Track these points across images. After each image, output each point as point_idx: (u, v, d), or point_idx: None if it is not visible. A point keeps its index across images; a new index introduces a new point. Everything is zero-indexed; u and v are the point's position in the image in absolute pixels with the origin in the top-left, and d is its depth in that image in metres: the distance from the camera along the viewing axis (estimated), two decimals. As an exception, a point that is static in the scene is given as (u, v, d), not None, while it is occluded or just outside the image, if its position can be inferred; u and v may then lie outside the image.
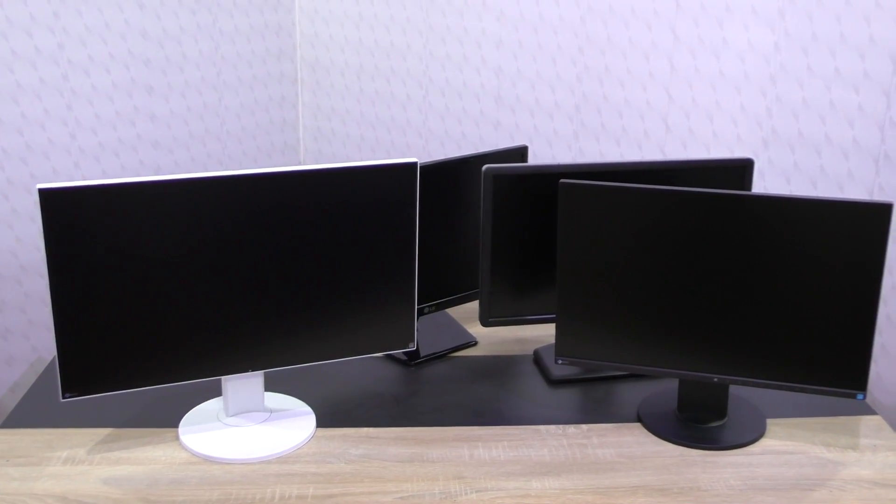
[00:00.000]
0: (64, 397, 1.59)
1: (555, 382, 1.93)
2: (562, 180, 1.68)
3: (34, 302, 2.44)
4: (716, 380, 1.72)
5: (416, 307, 1.78)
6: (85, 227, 1.53)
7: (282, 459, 1.66)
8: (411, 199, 1.70)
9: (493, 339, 2.12)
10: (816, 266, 1.62)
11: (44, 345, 2.46)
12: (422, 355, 2.02)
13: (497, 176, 1.82)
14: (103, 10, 2.44)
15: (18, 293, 2.41)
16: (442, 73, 2.67)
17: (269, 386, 1.87)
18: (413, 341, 1.80)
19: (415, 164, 1.69)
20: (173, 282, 1.60)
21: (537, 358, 2.01)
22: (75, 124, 2.44)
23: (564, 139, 2.52)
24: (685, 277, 1.68)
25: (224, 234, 1.61)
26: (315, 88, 2.94)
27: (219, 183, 1.59)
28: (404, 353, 2.02)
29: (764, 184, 2.25)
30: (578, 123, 2.49)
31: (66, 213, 1.51)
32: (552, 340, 2.05)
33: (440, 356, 2.03)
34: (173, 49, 2.62)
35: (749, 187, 1.92)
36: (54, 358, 1.60)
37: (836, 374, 1.66)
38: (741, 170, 1.89)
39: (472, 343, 2.09)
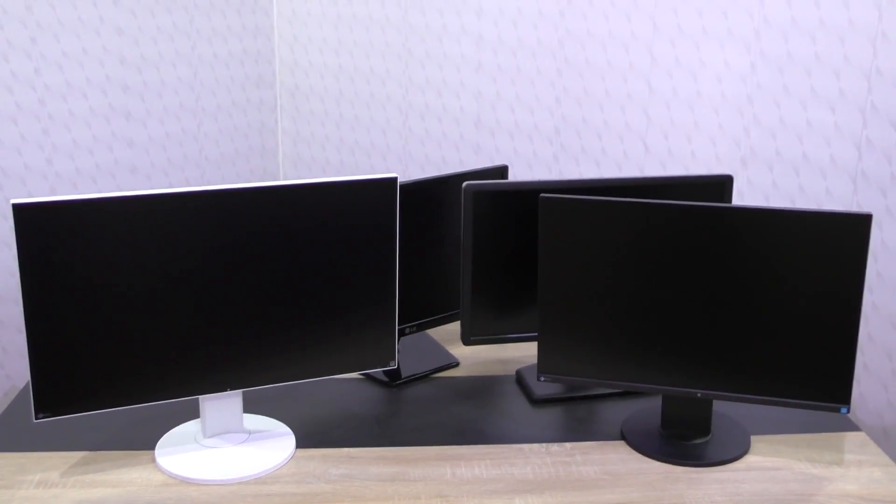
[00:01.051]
0: (37, 418, 1.56)
1: (537, 402, 1.91)
2: (542, 195, 1.67)
3: (9, 329, 2.40)
4: (699, 395, 1.71)
5: (396, 324, 1.76)
6: (59, 242, 1.51)
7: (260, 480, 1.63)
8: (391, 214, 1.69)
9: (475, 360, 2.10)
10: (798, 278, 1.61)
11: (18, 373, 2.42)
12: (403, 376, 2.00)
13: (477, 192, 1.82)
14: (80, 35, 2.43)
15: (-7, 320, 2.37)
16: (421, 98, 2.68)
17: (248, 408, 1.85)
18: (394, 359, 1.78)
19: (394, 178, 1.68)
20: (149, 299, 1.58)
21: (519, 378, 2.00)
22: (52, 149, 2.42)
23: (544, 161, 2.52)
24: (667, 292, 1.67)
25: (201, 251, 1.59)
26: (294, 115, 2.93)
27: (195, 198, 1.57)
28: (385, 374, 2.00)
29: (743, 203, 2.25)
30: (558, 146, 2.49)
31: (41, 228, 1.49)
32: (534, 361, 2.04)
33: (422, 377, 2.01)
34: (151, 75, 2.61)
35: (729, 203, 1.92)
36: (28, 383, 1.57)
37: (820, 387, 1.65)
38: (720, 186, 1.89)
39: (454, 364, 2.07)
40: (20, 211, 1.47)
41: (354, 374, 2.02)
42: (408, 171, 2.77)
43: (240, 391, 1.72)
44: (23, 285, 1.50)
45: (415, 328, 2.02)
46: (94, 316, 1.56)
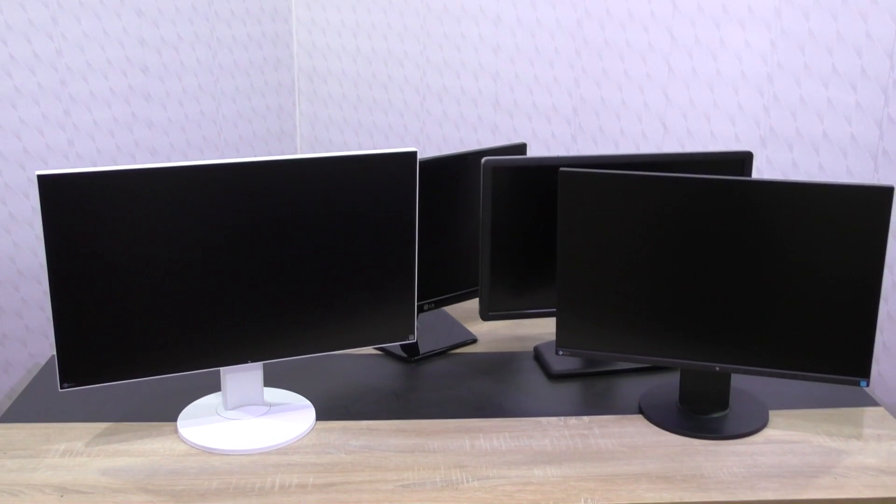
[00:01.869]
0: (62, 387, 1.58)
1: (555, 377, 1.92)
2: (561, 168, 1.68)
3: (32, 308, 2.43)
4: (717, 369, 1.71)
5: (415, 297, 1.77)
6: (83, 214, 1.52)
7: (281, 451, 1.65)
8: (411, 187, 1.70)
9: (492, 337, 2.11)
10: (818, 252, 1.61)
11: (41, 351, 2.44)
12: (421, 352, 2.01)
13: (496, 168, 1.82)
14: (101, 16, 2.45)
15: (16, 299, 2.39)
16: (439, 80, 2.68)
17: (269, 383, 1.86)
18: (413, 333, 1.79)
19: (414, 152, 1.69)
20: (172, 271, 1.60)
21: (537, 354, 2.01)
22: (73, 130, 2.44)
23: (562, 142, 2.52)
24: (686, 266, 1.67)
25: (223, 224, 1.60)
26: (312, 97, 2.94)
27: (217, 170, 1.58)
28: (404, 350, 2.01)
29: (762, 182, 2.25)
30: (576, 126, 2.49)
31: (65, 199, 1.51)
32: (552, 337, 2.05)
33: (440, 353, 2.02)
34: (171, 57, 2.62)
35: (748, 180, 1.92)
36: (51, 357, 1.58)
37: (839, 361, 1.65)
38: (740, 162, 1.89)
39: (472, 340, 2.08)
40: (45, 182, 1.49)
41: (373, 350, 2.03)
42: (425, 152, 2.77)
43: (260, 363, 1.73)
44: (48, 257, 1.52)
45: (433, 305, 2.03)
46: (117, 287, 1.57)
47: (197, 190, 1.58)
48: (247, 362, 1.69)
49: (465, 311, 2.22)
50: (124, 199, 1.54)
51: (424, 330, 2.11)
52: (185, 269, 1.60)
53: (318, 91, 2.92)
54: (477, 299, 2.03)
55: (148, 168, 1.55)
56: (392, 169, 1.68)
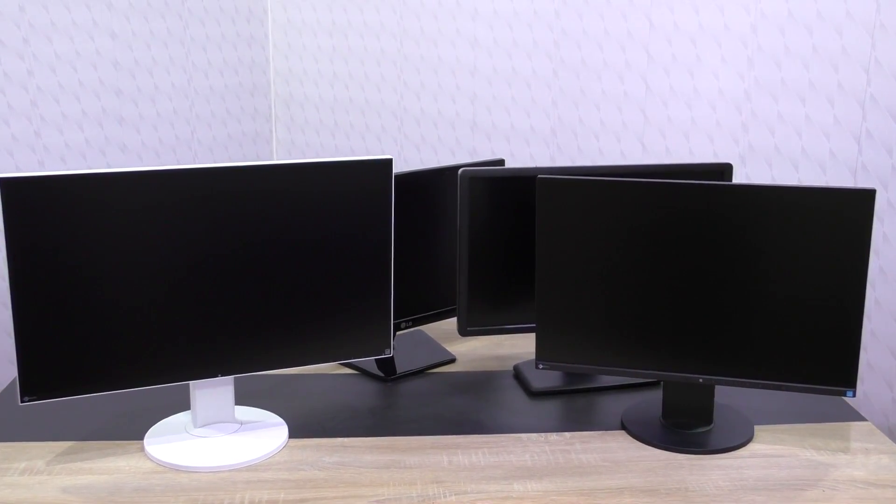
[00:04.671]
0: (22, 401, 1.52)
1: (535, 394, 1.87)
2: (539, 175, 1.65)
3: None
4: (701, 381, 1.67)
5: (392, 311, 1.73)
6: (46, 218, 1.47)
7: (252, 467, 1.59)
8: (387, 196, 1.66)
9: (471, 357, 2.06)
10: (800, 258, 1.58)
11: (7, 379, 2.37)
12: (398, 371, 1.96)
13: (473, 178, 1.79)
14: (73, 38, 2.42)
15: (-19, 323, 2.33)
16: (417, 103, 2.66)
17: (241, 402, 1.81)
18: (390, 347, 1.74)
19: (390, 160, 1.65)
20: (137, 281, 1.55)
21: (517, 372, 1.96)
22: (43, 151, 2.40)
23: (541, 163, 2.50)
24: (667, 275, 1.64)
25: (192, 232, 1.56)
26: (289, 124, 2.92)
27: (186, 176, 1.54)
28: (380, 369, 1.96)
29: (742, 199, 2.23)
30: (555, 147, 2.47)
31: (28, 204, 1.46)
32: (533, 357, 2.01)
33: (417, 372, 1.97)
34: (145, 80, 2.59)
35: (728, 193, 1.90)
36: (16, 378, 1.53)
37: (825, 371, 1.61)
38: (720, 174, 1.87)
39: (451, 360, 2.03)
40: (7, 185, 1.44)
41: (348, 370, 1.98)
42: (403, 176, 2.74)
43: (231, 378, 1.68)
44: (9, 264, 1.47)
45: (410, 323, 1.98)
46: (81, 297, 1.52)
47: (164, 197, 1.53)
48: (216, 376, 1.64)
49: (444, 332, 2.17)
50: (90, 203, 1.49)
51: (402, 349, 2.06)
52: (152, 278, 1.55)
53: (295, 117, 2.90)
54: (455, 319, 1.99)
55: (114, 172, 1.51)
56: (368, 177, 1.65)
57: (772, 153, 2.18)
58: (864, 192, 1.53)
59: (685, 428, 1.72)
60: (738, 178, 2.23)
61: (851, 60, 2.03)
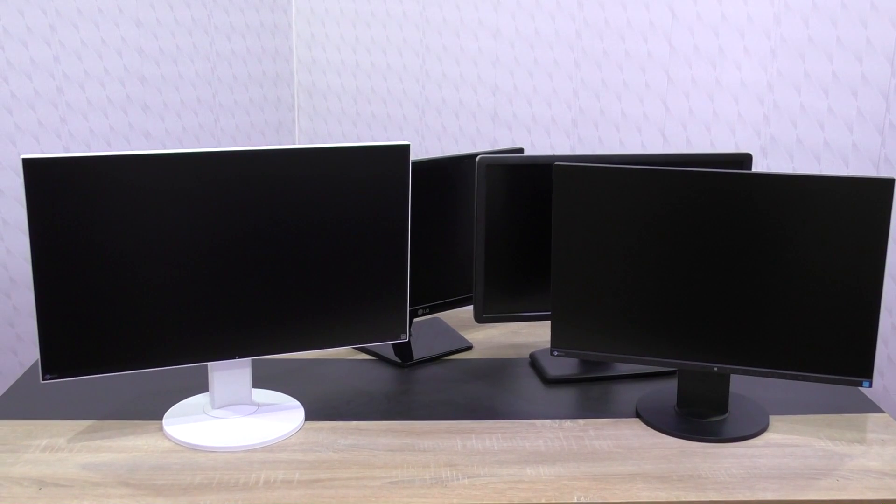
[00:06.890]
0: (44, 378, 1.54)
1: (551, 382, 1.88)
2: (556, 163, 1.65)
3: (23, 316, 2.40)
4: (716, 369, 1.67)
5: (408, 295, 1.74)
6: (70, 199, 1.49)
7: (268, 448, 1.61)
8: (403, 180, 1.67)
9: (488, 345, 2.07)
10: (818, 247, 1.58)
11: (32, 360, 2.41)
12: (415, 357, 1.97)
13: (490, 166, 1.80)
14: (99, 25, 2.45)
15: (7, 306, 2.37)
16: (438, 93, 2.67)
17: (258, 384, 1.82)
18: (405, 332, 1.75)
19: (407, 145, 1.66)
20: (159, 261, 1.57)
21: (533, 360, 1.97)
22: (69, 137, 2.43)
23: (561, 154, 2.50)
24: (684, 263, 1.64)
25: (212, 214, 1.58)
26: (312, 114, 2.94)
27: (208, 159, 1.56)
28: (397, 355, 1.97)
29: (762, 191, 2.22)
30: (575, 138, 2.48)
31: (51, 185, 1.48)
32: (549, 345, 2.01)
33: (434, 359, 1.98)
34: (169, 68, 2.62)
35: (747, 183, 1.89)
36: (38, 360, 1.55)
37: (841, 360, 1.61)
38: (739, 164, 1.86)
39: (468, 347, 2.04)
40: (31, 167, 1.47)
41: (365, 355, 2.00)
42: (424, 166, 2.75)
43: (248, 360, 1.70)
44: (31, 243, 1.49)
45: (427, 310, 1.99)
46: (102, 277, 1.54)
47: (186, 179, 1.55)
48: (234, 357, 1.66)
49: (461, 320, 2.18)
50: (112, 185, 1.51)
51: (419, 336, 2.07)
52: (172, 260, 1.57)
53: (318, 107, 2.92)
54: (472, 307, 2.00)
55: (137, 155, 1.53)
56: (385, 162, 1.66)
57: (794, 145, 2.17)
58: (883, 181, 1.53)
59: (700, 417, 1.72)
60: (760, 169, 2.22)
61: (876, 52, 2.02)
